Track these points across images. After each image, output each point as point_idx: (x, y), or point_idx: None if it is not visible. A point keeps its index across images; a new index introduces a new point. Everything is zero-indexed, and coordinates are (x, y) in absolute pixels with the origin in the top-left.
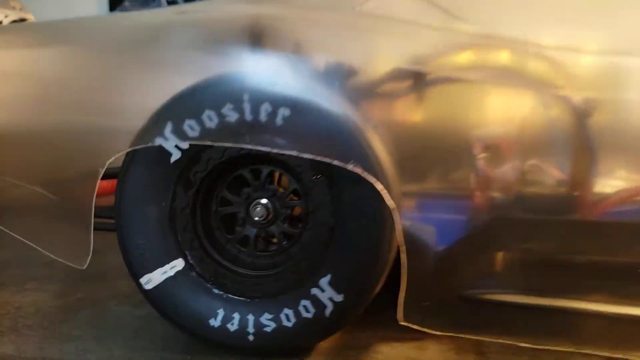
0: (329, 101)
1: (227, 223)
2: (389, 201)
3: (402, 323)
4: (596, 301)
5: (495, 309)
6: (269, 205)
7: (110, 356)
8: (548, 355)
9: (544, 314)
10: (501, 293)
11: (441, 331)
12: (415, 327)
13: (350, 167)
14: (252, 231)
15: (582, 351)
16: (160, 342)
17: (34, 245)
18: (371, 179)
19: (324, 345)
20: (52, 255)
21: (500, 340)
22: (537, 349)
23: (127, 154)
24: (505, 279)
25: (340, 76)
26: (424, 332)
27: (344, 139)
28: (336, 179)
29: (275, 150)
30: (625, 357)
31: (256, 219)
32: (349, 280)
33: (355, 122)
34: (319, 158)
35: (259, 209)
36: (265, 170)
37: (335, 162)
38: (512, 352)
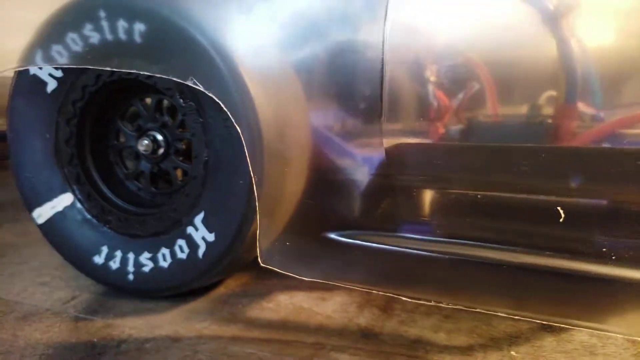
0: (191, 21)
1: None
2: (237, 127)
3: (263, 265)
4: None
5: (363, 255)
6: (158, 138)
7: None
8: (465, 317)
9: (429, 262)
10: (370, 237)
11: (303, 276)
12: (277, 270)
13: (189, 82)
14: (146, 166)
15: (482, 309)
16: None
17: None
18: (215, 96)
19: (221, 290)
20: None
21: (365, 289)
22: (453, 308)
23: (11, 86)
24: (382, 221)
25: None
26: (333, 285)
27: (197, 58)
28: (203, 105)
29: (122, 70)
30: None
31: (143, 151)
32: (220, 218)
33: (220, 47)
34: (157, 74)
35: (145, 141)
36: (153, 99)
37: (173, 78)
38: (421, 311)
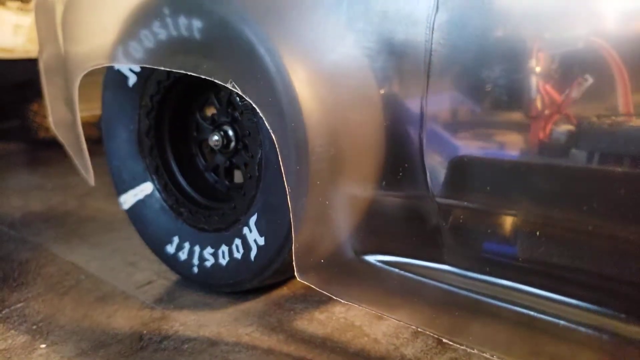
0: (243, 18)
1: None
2: (273, 137)
3: (300, 280)
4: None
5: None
6: (229, 133)
7: None
8: None
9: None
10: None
11: (338, 297)
12: (314, 287)
13: (229, 85)
14: (220, 160)
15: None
16: None
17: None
18: (255, 100)
19: (283, 291)
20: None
21: (390, 316)
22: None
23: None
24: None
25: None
26: None
27: (245, 56)
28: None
29: (175, 70)
30: None
31: (214, 145)
32: (270, 222)
33: (273, 50)
34: (203, 75)
35: (216, 136)
36: (225, 94)
37: (215, 80)
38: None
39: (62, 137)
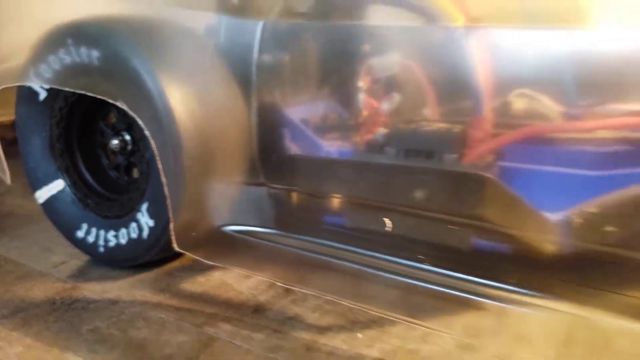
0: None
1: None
2: (152, 144)
3: (177, 250)
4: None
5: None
6: (126, 137)
7: None
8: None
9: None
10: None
11: (209, 260)
12: (189, 254)
13: (118, 103)
14: (121, 159)
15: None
16: None
17: None
18: (137, 115)
19: (174, 264)
20: None
21: (253, 274)
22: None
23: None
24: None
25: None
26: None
27: (134, 82)
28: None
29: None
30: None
31: (114, 148)
32: (157, 208)
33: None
34: (99, 96)
35: (115, 141)
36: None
37: (108, 99)
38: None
39: None
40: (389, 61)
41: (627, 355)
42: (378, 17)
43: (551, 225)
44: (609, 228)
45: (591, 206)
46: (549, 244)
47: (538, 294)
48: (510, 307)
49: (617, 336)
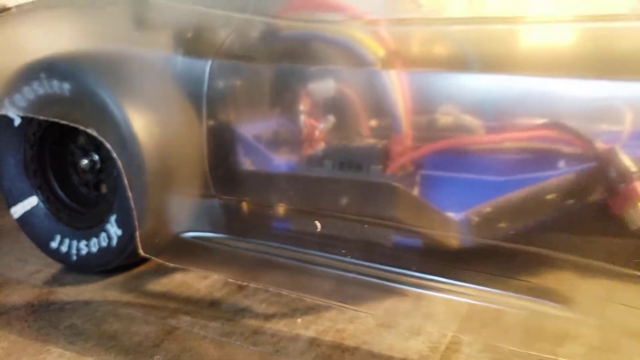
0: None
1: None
2: (119, 164)
3: (143, 255)
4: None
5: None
6: (95, 158)
7: None
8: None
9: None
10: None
11: (171, 263)
12: (153, 258)
13: (89, 130)
14: (91, 176)
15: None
16: None
17: None
18: (105, 140)
19: (141, 268)
20: None
21: (210, 273)
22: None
23: None
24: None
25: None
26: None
27: (102, 111)
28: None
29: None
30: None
31: (83, 167)
32: (124, 219)
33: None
34: (72, 124)
35: (85, 161)
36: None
37: (79, 126)
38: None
39: None
40: (324, 89)
41: (515, 325)
42: (310, 59)
43: (454, 223)
44: (502, 225)
45: (487, 207)
46: (454, 239)
47: (445, 280)
48: (422, 291)
49: (508, 310)
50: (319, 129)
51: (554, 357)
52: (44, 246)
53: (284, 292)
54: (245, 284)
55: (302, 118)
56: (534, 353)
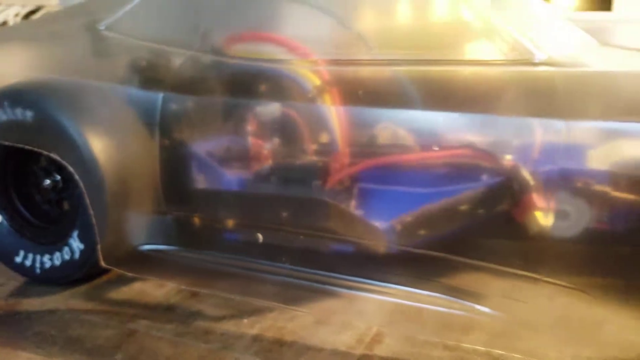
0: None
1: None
2: (81, 184)
3: (104, 266)
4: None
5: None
6: (57, 178)
7: None
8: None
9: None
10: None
11: (130, 273)
12: (114, 269)
13: (52, 155)
14: (53, 195)
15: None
16: None
17: None
18: (67, 163)
19: (103, 278)
20: None
21: (165, 282)
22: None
23: None
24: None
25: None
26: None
27: (63, 137)
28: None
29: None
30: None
31: (46, 187)
32: (86, 234)
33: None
34: (35, 149)
35: (47, 181)
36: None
37: (42, 151)
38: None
39: None
40: (269, 113)
41: (431, 319)
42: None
43: (381, 232)
44: (421, 232)
45: (408, 216)
46: (381, 246)
47: (373, 282)
48: (353, 292)
49: (426, 307)
50: (268, 145)
51: (457, 343)
52: (8, 261)
53: (233, 297)
54: (197, 290)
55: (249, 142)
56: (441, 340)
